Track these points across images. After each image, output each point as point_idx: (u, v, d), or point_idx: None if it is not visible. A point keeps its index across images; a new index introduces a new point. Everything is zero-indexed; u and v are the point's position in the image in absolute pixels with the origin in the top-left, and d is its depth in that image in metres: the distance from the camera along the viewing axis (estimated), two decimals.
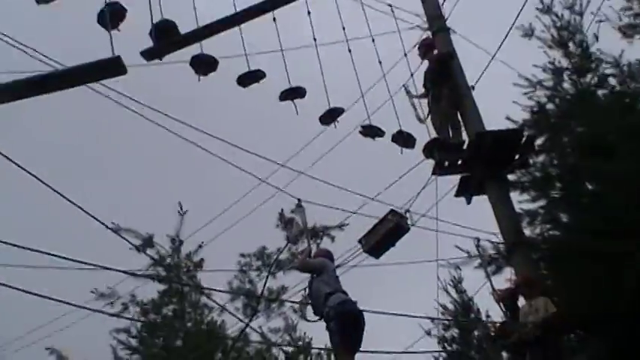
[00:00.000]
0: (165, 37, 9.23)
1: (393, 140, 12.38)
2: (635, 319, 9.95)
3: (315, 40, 11.58)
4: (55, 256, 7.61)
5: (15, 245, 6.69)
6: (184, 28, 9.37)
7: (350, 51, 11.94)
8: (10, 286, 6.85)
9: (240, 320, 14.46)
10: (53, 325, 14.14)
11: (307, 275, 9.73)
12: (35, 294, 7.10)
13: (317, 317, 9.23)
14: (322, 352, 17.24)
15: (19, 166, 7.05)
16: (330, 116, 11.93)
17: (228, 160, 11.25)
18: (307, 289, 9.60)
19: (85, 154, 30.39)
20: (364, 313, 8.95)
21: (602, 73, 13.16)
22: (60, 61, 8.78)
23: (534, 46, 13.63)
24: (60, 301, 8.13)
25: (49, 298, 7.67)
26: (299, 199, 10.49)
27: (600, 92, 13.12)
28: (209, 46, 10.53)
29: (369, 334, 8.91)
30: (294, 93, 11.50)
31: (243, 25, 9.95)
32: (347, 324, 8.69)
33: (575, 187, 12.56)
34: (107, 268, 8.47)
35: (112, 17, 8.60)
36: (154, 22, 9.14)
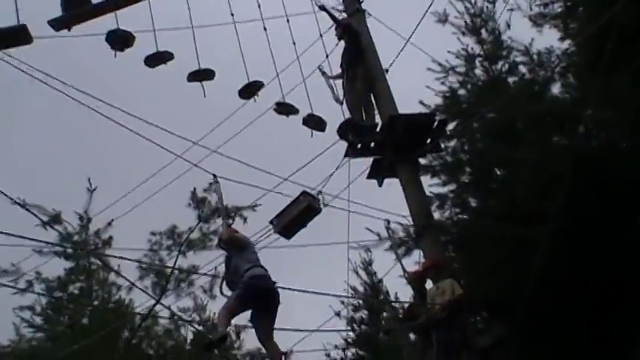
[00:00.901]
0: (76, 7, 8.95)
1: (304, 123, 12.33)
2: (536, 302, 10.16)
3: (232, 15, 11.51)
4: None
5: None
6: None
7: (265, 29, 11.87)
8: None
9: (151, 296, 14.24)
10: None
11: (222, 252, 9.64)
12: None
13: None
14: (232, 331, 17.08)
15: None
16: (249, 90, 11.84)
17: (142, 135, 10.96)
18: (225, 265, 9.49)
19: None
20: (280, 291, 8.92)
21: (512, 61, 13.40)
22: None
23: (448, 32, 13.79)
24: None
25: None
26: (214, 175, 10.31)
27: (510, 79, 13.33)
28: (123, 21, 10.35)
29: (281, 316, 8.91)
30: (202, 75, 11.37)
31: (162, 3, 9.76)
32: (253, 297, 8.67)
33: (484, 173, 12.76)
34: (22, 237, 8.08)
35: None
36: None
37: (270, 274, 9.03)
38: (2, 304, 15.65)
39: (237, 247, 9.29)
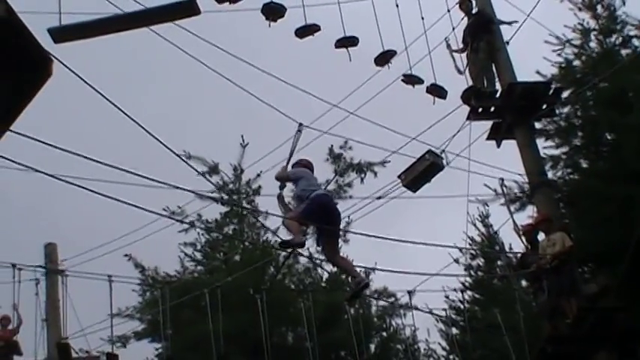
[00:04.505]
0: None
1: (427, 92, 12.25)
2: (639, 255, 9.85)
3: None
4: (137, 175, 7.47)
5: (101, 163, 6.62)
6: None
7: (397, 5, 11.81)
8: (108, 197, 6.68)
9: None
10: (131, 236, 14.37)
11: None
12: (129, 203, 6.90)
13: None
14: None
15: (105, 98, 6.92)
16: (384, 58, 11.86)
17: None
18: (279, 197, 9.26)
19: (162, 91, 30.64)
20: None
21: (626, 35, 13.00)
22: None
23: (565, 8, 13.45)
24: (147, 210, 7.93)
25: (141, 208, 7.44)
26: (300, 123, 10.12)
27: (623, 52, 12.89)
28: None
29: (406, 259, 8.89)
30: (348, 41, 11.43)
31: None
32: (318, 210, 8.41)
33: (595, 137, 12.46)
34: (179, 188, 8.44)
35: None
36: None
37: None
38: (170, 240, 16.36)
39: (287, 181, 9.06)
